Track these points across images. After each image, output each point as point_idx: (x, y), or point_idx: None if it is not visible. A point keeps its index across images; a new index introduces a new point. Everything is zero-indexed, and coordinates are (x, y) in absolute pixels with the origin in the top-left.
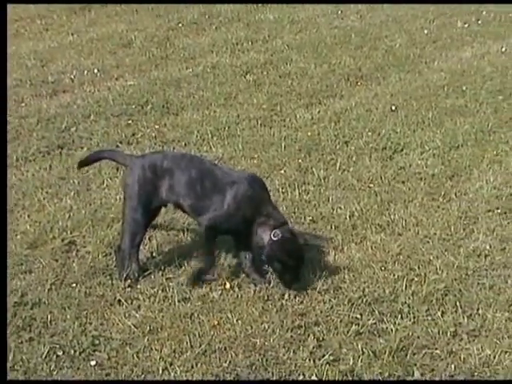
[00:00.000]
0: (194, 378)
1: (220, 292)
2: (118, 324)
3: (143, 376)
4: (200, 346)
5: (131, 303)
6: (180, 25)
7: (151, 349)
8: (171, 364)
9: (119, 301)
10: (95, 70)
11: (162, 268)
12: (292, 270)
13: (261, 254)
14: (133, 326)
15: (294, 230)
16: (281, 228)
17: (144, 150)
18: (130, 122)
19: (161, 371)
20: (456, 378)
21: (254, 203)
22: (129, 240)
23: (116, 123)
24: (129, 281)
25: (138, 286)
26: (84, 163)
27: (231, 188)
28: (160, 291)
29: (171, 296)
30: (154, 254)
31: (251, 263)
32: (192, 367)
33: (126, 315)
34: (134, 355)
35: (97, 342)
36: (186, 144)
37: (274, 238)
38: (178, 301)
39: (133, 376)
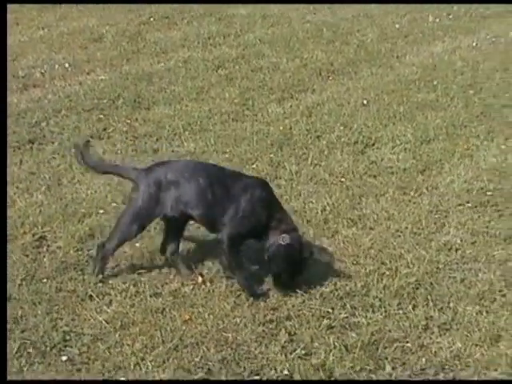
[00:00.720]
0: (166, 373)
1: (192, 287)
2: (89, 319)
3: (114, 371)
4: (172, 340)
5: (102, 298)
6: (151, 19)
7: (123, 344)
8: (143, 359)
9: (90, 296)
10: (66, 65)
11: (134, 263)
12: (288, 277)
13: (265, 253)
14: (104, 322)
15: (303, 238)
16: (290, 234)
17: (115, 144)
18: (101, 116)
19: (132, 366)
20: (427, 372)
21: (268, 208)
22: (116, 244)
23: (87, 118)
24: (100, 276)
25: (110, 282)
26: (84, 163)
27: (245, 194)
28: (131, 286)
29: (143, 291)
30: (125, 249)
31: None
32: (164, 362)
33: (98, 310)
34: (106, 350)
35: (68, 337)
36: (157, 139)
37: (281, 242)
38: (150, 296)
39: (104, 371)
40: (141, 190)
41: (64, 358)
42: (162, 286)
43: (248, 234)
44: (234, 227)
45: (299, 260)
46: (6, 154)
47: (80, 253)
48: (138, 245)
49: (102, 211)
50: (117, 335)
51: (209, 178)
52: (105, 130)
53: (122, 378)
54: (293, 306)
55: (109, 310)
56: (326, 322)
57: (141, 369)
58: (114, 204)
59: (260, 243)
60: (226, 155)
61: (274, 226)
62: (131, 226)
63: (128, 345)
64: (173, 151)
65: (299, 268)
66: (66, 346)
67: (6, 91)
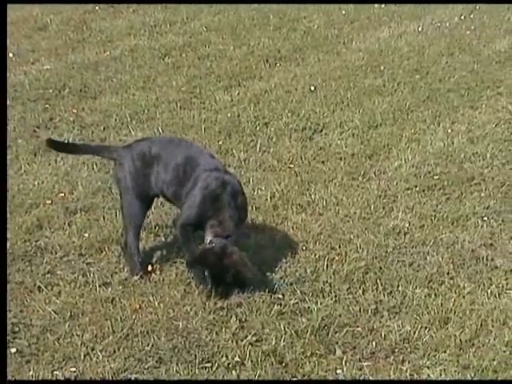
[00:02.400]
0: (117, 363)
1: (141, 275)
2: (38, 310)
3: (64, 362)
4: (122, 330)
5: (51, 289)
6: (97, 8)
7: (72, 335)
8: (93, 349)
9: (39, 287)
10: (10, 55)
11: (83, 253)
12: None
13: None
14: (53, 312)
15: (231, 249)
16: (219, 240)
17: (62, 134)
18: (47, 106)
19: (83, 357)
20: (377, 355)
21: (215, 204)
22: (133, 234)
23: (33, 108)
24: (141, 273)
25: (58, 272)
26: (61, 149)
27: (202, 183)
28: (80, 276)
29: (92, 281)
30: (73, 239)
31: None
32: (114, 352)
33: (47, 301)
34: (55, 341)
35: (16, 329)
36: (104, 128)
37: (206, 246)
38: (99, 286)
39: (54, 362)
40: (125, 167)
41: (13, 350)
42: (112, 276)
43: (195, 224)
44: (183, 217)
45: (215, 267)
46: (5, 155)
47: (28, 244)
48: (86, 235)
49: (49, 202)
50: (66, 326)
51: (186, 156)
52: (51, 119)
53: (73, 369)
54: (243, 293)
55: (58, 301)
56: (276, 308)
57: (91, 359)
58: (62, 194)
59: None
60: None
61: (211, 225)
62: (134, 209)
63: (78, 335)
64: (120, 140)
65: (213, 276)
66: (14, 338)
67: (6, 91)
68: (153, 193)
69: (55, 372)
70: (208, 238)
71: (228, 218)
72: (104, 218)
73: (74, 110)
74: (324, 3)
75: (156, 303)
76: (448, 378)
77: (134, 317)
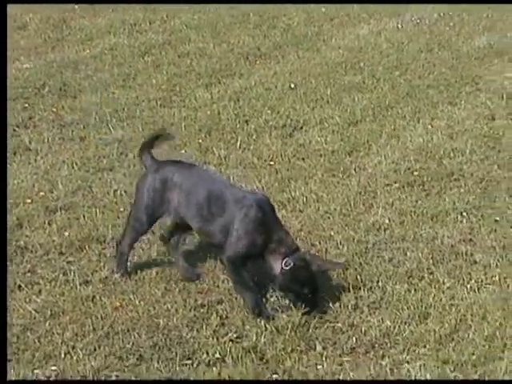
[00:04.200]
0: (97, 361)
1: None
2: (18, 309)
3: (45, 361)
4: (102, 328)
5: (32, 288)
6: (76, 6)
7: (53, 333)
8: (74, 347)
9: (19, 286)
10: None
11: (63, 251)
12: (307, 298)
13: (274, 284)
14: (34, 311)
15: (307, 256)
16: (292, 256)
17: (42, 133)
18: (26, 105)
19: (63, 355)
20: (357, 351)
21: (263, 229)
22: (129, 239)
23: (12, 107)
24: (123, 272)
25: (39, 271)
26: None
27: (239, 213)
28: (61, 275)
29: (72, 279)
30: (53, 238)
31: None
32: (95, 350)
33: (27, 300)
34: (36, 340)
35: None
36: (84, 126)
37: (286, 268)
38: (80, 284)
39: (34, 361)
40: (147, 183)
41: None
42: (92, 274)
43: (247, 255)
44: (231, 250)
45: (309, 278)
46: (5, 153)
47: (8, 243)
48: (66, 233)
49: (29, 201)
50: (47, 324)
51: (209, 190)
52: (30, 118)
53: (53, 368)
54: (224, 289)
55: (38, 300)
56: None
57: (72, 357)
58: (42, 193)
59: (262, 267)
60: None
61: (273, 249)
62: (140, 220)
63: (58, 334)
64: (100, 139)
65: (313, 285)
66: None
67: (6, 90)
68: (166, 215)
69: (36, 371)
70: (274, 262)
71: (282, 235)
72: (84, 216)
73: (54, 109)
74: (303, 3)
75: (137, 301)
76: (428, 373)
77: (114, 315)
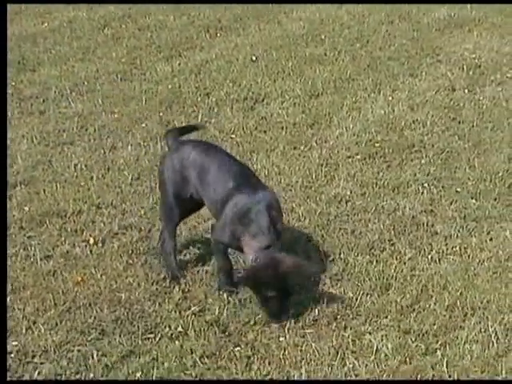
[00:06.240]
0: (59, 336)
1: (83, 248)
2: None
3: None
4: (64, 303)
5: None
6: None
7: (14, 308)
8: (35, 322)
9: None
10: None
11: (23, 226)
12: (272, 300)
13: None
14: None
15: (279, 256)
16: (263, 252)
17: None
18: None
19: (24, 330)
20: (320, 322)
21: (244, 221)
22: (168, 233)
23: None
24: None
25: None
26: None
27: (232, 198)
28: (21, 250)
29: (33, 254)
30: (13, 213)
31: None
32: (56, 324)
33: None
34: None
35: None
36: (44, 100)
37: (253, 263)
38: (40, 259)
39: None
40: (166, 164)
41: None
42: (53, 249)
43: (227, 243)
44: (215, 234)
45: (273, 279)
46: (5, 152)
47: None
48: (26, 208)
49: None
50: (8, 300)
51: (218, 171)
52: None
53: (15, 343)
54: (186, 263)
55: None
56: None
57: (33, 332)
58: None
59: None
60: (115, 115)
61: (247, 243)
62: (170, 206)
63: (19, 309)
64: (60, 112)
65: (278, 288)
66: None
67: (6, 88)
68: (190, 194)
69: None
70: (249, 255)
71: (264, 230)
72: (44, 191)
73: (13, 83)
74: None
75: (98, 275)
76: (390, 343)
77: (76, 289)
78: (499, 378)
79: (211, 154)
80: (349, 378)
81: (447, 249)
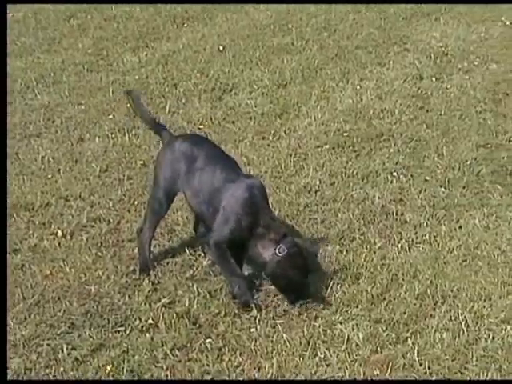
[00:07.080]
0: (28, 330)
1: (51, 241)
2: None
3: None
4: (33, 296)
5: None
6: None
7: None
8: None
9: None
10: None
11: None
12: (300, 286)
13: (263, 271)
14: None
15: (298, 241)
16: (284, 242)
17: None
18: None
19: None
20: (290, 312)
21: (251, 210)
22: (149, 225)
23: None
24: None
25: None
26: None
27: (227, 190)
28: None
29: None
30: None
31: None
32: (25, 318)
33: None
34: None
35: None
36: (9, 92)
37: (280, 255)
38: (9, 253)
39: None
40: (160, 157)
41: None
42: (21, 242)
43: (233, 237)
44: (217, 231)
45: (305, 264)
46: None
47: None
48: None
49: None
50: None
51: (205, 165)
52: None
53: None
54: (156, 255)
55: None
56: (189, 270)
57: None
58: None
59: (248, 253)
60: (82, 107)
61: (261, 235)
62: (158, 199)
63: None
64: (26, 104)
65: (308, 272)
66: None
67: (6, 89)
68: (179, 190)
69: None
70: (266, 249)
71: (272, 219)
72: (12, 184)
73: None
74: None
75: (67, 268)
76: (360, 333)
77: (44, 283)
78: (469, 366)
79: (200, 146)
80: (320, 368)
81: (417, 237)
